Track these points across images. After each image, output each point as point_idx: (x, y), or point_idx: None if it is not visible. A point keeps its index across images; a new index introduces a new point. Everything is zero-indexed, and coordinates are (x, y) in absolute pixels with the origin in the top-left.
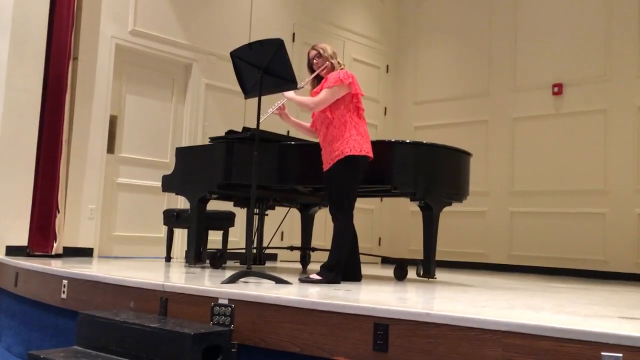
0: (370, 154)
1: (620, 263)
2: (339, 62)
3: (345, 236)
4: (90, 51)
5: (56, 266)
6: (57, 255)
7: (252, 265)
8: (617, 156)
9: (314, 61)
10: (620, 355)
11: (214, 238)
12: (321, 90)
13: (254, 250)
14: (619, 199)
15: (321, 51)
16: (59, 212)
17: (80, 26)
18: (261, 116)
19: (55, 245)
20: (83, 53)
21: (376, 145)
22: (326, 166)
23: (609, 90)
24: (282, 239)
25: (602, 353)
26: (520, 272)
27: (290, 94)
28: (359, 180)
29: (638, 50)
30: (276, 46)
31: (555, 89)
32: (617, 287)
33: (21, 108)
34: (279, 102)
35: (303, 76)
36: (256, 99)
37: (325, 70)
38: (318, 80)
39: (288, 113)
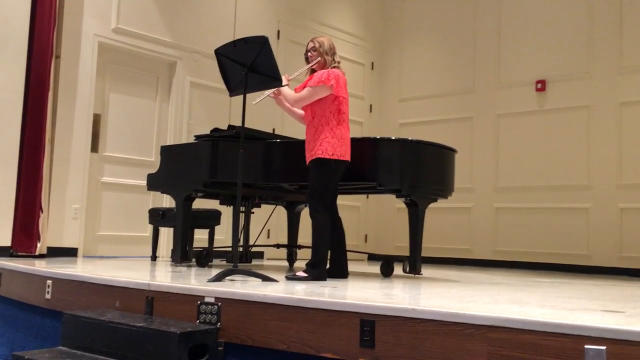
0: (347, 157)
1: (603, 257)
2: (334, 60)
3: (322, 234)
4: (73, 49)
5: (40, 266)
6: (41, 256)
7: (238, 264)
8: (600, 152)
9: (309, 54)
10: (604, 348)
11: (200, 237)
12: (305, 86)
13: (240, 249)
14: (602, 194)
15: (317, 45)
16: (42, 211)
17: (63, 24)
18: (257, 98)
19: (39, 245)
20: (65, 51)
21: (361, 142)
22: (307, 162)
23: (592, 87)
24: (268, 237)
25: (586, 346)
26: (505, 267)
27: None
28: (333, 182)
29: (620, 46)
30: (261, 44)
31: (539, 86)
32: (600, 281)
33: (3, 107)
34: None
35: (288, 72)
36: (241, 96)
37: (317, 65)
38: (311, 73)
39: (282, 98)
